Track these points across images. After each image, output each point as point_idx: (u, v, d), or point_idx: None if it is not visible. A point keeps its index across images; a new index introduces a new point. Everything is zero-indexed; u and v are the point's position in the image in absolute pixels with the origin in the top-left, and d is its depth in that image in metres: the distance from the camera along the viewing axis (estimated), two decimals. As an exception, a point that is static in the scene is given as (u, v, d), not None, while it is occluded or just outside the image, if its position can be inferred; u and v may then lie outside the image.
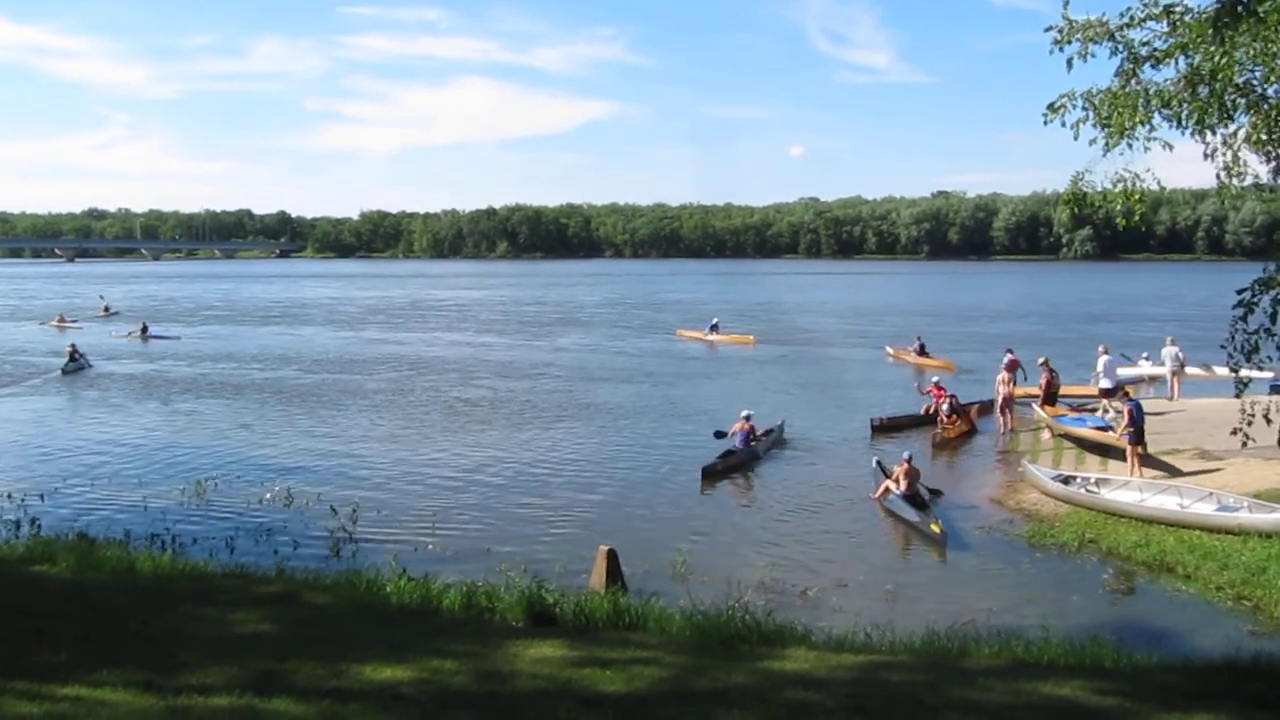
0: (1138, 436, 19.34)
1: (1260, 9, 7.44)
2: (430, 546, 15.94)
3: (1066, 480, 18.46)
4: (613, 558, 13.14)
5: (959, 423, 24.99)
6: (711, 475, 20.49)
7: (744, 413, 22.64)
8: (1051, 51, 8.83)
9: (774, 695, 7.16)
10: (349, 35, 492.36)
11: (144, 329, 54.89)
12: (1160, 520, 16.04)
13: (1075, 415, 23.80)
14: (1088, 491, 17.71)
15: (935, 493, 18.58)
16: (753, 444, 22.08)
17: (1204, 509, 15.86)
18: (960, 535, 16.95)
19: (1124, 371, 30.30)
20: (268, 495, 19.11)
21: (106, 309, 72.22)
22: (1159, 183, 8.96)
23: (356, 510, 17.71)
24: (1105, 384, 25.16)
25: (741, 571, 14.39)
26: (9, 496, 18.69)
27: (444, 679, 7.43)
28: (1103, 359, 25.78)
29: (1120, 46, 8.70)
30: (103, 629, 8.55)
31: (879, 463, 20.63)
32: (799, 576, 14.46)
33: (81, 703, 6.52)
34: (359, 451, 23.81)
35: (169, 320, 65.37)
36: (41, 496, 18.90)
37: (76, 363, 40.67)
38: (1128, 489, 17.40)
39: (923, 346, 42.17)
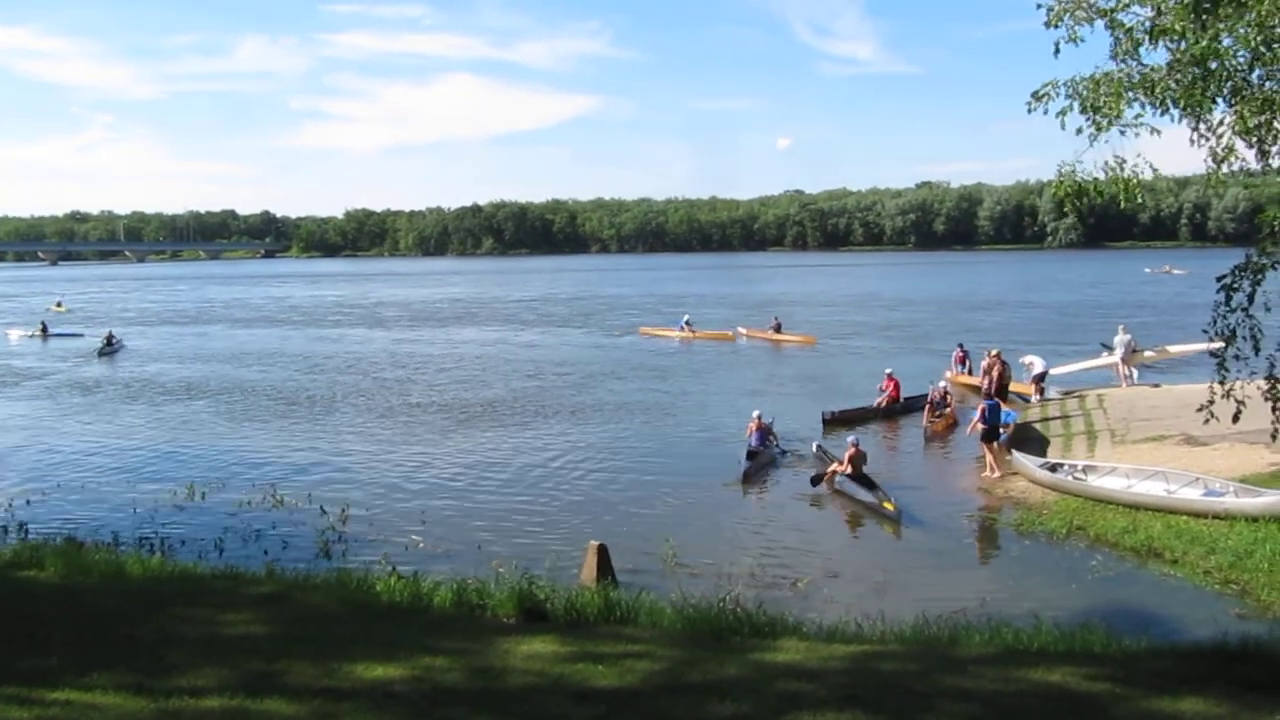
0: (990, 435, 20.00)
1: None
2: (420, 544, 15.92)
3: (1054, 468, 18.53)
4: (603, 552, 13.17)
5: (946, 415, 25.11)
6: (749, 479, 20.03)
7: (754, 412, 22.23)
8: (1048, 26, 8.81)
9: (766, 686, 7.17)
10: (331, 33, 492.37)
11: (44, 328, 55.57)
12: (1147, 506, 16.12)
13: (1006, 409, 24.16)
14: (1075, 478, 17.78)
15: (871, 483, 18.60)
16: (768, 442, 21.66)
17: (1190, 494, 15.94)
18: (949, 524, 17.04)
19: (1094, 363, 30.56)
20: (256, 496, 19.06)
21: (59, 305, 76.69)
22: (1152, 168, 8.93)
23: (346, 510, 17.71)
24: (1038, 370, 27.34)
25: (731, 564, 14.44)
26: (-5, 501, 18.61)
27: (436, 676, 7.42)
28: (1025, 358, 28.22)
29: (1114, 25, 8.68)
30: (92, 632, 8.51)
31: (819, 446, 21.34)
32: (789, 568, 14.51)
33: (72, 706, 6.50)
34: (347, 451, 23.76)
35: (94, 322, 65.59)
36: (28, 501, 18.84)
37: (112, 347, 45.38)
38: (1115, 475, 17.47)
39: (779, 325, 47.43)
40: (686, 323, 50.40)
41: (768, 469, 21.00)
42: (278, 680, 7.18)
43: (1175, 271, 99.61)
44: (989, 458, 19.87)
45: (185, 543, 15.93)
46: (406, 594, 10.23)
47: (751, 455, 20.98)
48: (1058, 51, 8.76)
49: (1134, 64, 8.56)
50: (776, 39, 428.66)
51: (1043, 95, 8.80)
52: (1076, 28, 8.67)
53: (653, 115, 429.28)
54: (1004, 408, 24.11)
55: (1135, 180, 8.84)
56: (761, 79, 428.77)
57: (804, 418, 25.64)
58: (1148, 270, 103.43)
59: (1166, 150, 8.78)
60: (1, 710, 6.37)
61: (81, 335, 55.12)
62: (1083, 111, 8.64)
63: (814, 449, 21.50)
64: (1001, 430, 21.30)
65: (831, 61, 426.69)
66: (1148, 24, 8.40)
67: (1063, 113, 8.70)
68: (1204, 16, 7.61)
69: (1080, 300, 68.47)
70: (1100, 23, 8.71)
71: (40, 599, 10.06)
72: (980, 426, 20.00)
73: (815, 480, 19.22)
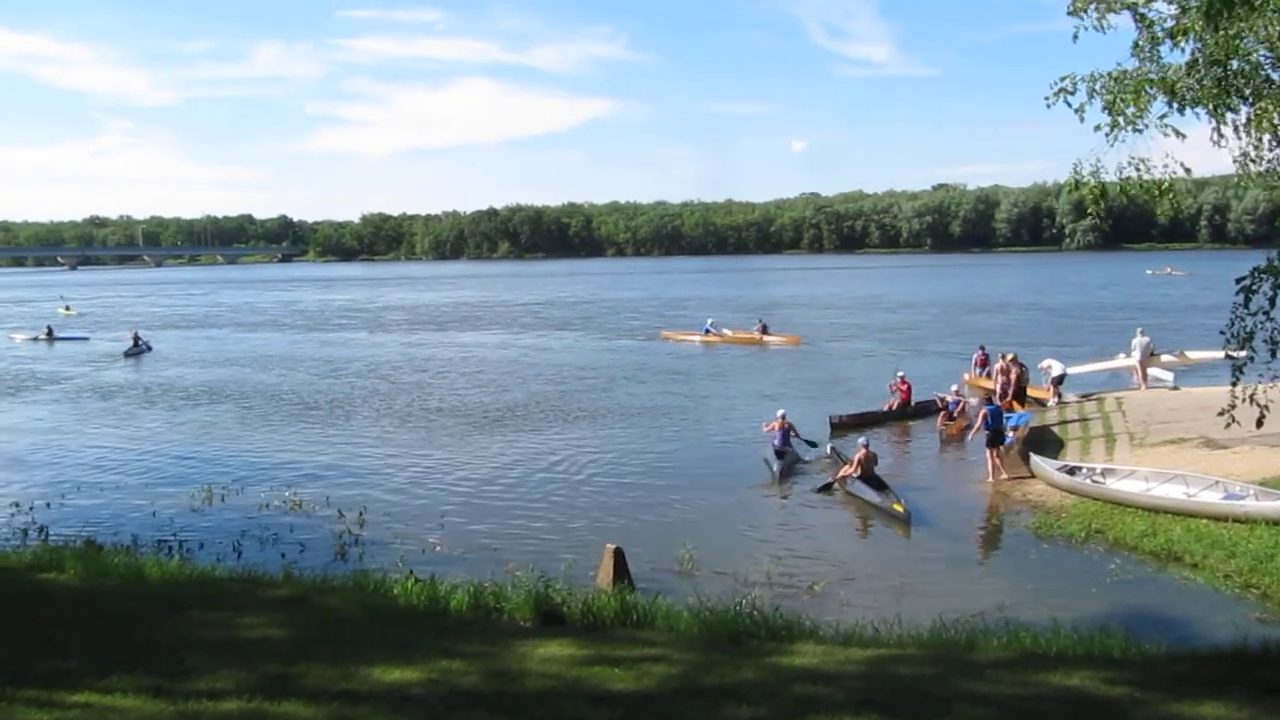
0: (993, 439, 19.92)
1: None
2: (437, 547, 15.97)
3: (1072, 471, 18.44)
4: (619, 556, 13.16)
5: (960, 420, 25.00)
6: (785, 478, 20.45)
7: (778, 411, 22.43)
8: (1071, 13, 8.72)
9: (783, 690, 7.16)
10: (347, 38, 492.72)
11: (49, 332, 56.13)
12: (1167, 509, 16.02)
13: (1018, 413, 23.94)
14: (1094, 482, 17.70)
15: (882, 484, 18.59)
16: (791, 441, 21.85)
17: (1210, 497, 15.84)
18: (966, 527, 17.00)
19: (1112, 364, 30.41)
20: (275, 499, 19.15)
21: (67, 308, 77.31)
22: (1185, 168, 8.80)
23: (363, 513, 17.77)
24: (1056, 373, 27.16)
25: (748, 567, 14.42)
26: (16, 505, 18.75)
27: (453, 679, 7.43)
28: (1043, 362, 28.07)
29: (1138, 19, 8.59)
30: (111, 635, 8.56)
31: (833, 448, 21.50)
32: (806, 571, 14.48)
33: (91, 709, 6.53)
34: (364, 455, 23.84)
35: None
36: (48, 504, 18.99)
37: (139, 348, 46.26)
38: (1134, 479, 17.37)
39: (765, 327, 48.50)
40: (711, 326, 49.37)
41: (792, 469, 21.03)
42: (295, 683, 7.20)
43: (1175, 273, 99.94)
44: (990, 462, 19.83)
45: (204, 546, 16.03)
46: (424, 597, 10.25)
47: (780, 455, 21.12)
48: (1076, 37, 8.67)
49: (1153, 64, 8.49)
50: (791, 42, 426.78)
51: (1061, 90, 8.72)
52: (1102, 18, 8.57)
53: (667, 118, 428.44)
54: (1019, 410, 24.09)
55: (1169, 183, 8.75)
56: (776, 82, 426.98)
57: (810, 420, 25.52)
58: (1149, 272, 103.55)
59: (1185, 151, 8.68)
60: (21, 713, 6.41)
61: (87, 339, 55.63)
62: (1104, 109, 8.54)
63: (827, 451, 21.59)
64: (1010, 434, 21.30)
65: (846, 64, 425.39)
66: (1170, 21, 8.33)
67: (1081, 108, 8.61)
68: (1216, 19, 7.55)
69: (1083, 303, 68.46)
70: (1120, 16, 8.62)
71: (59, 601, 10.12)
72: (984, 431, 20.00)
73: (824, 489, 19.22)
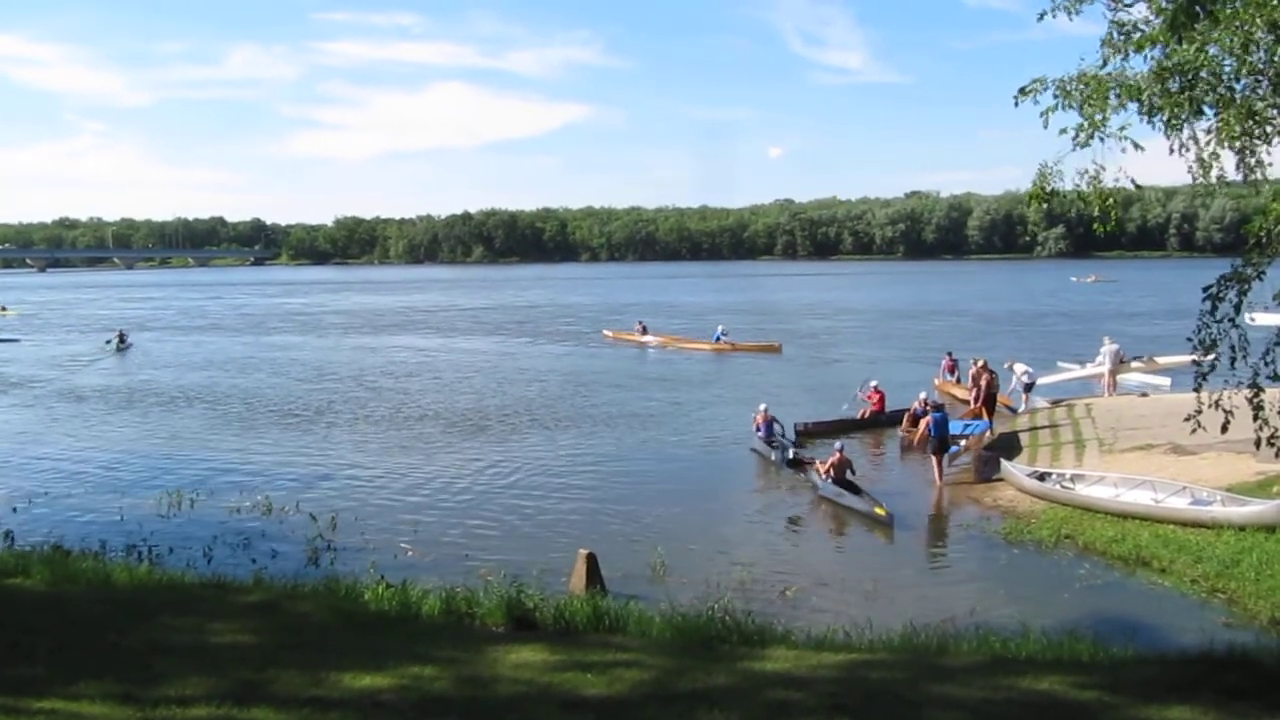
0: (938, 446, 20.28)
1: (1214, 8, 7.49)
2: (409, 553, 15.89)
3: (1042, 477, 18.59)
4: (592, 561, 13.17)
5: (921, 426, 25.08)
6: (791, 465, 21.22)
7: (761, 405, 23.07)
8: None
9: (755, 695, 7.18)
10: (323, 41, 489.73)
11: None
12: (1135, 515, 16.19)
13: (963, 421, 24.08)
14: (1063, 487, 17.85)
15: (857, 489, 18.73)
16: (775, 432, 22.51)
17: (1178, 503, 16.01)
18: (937, 533, 17.09)
19: (1083, 372, 30.68)
20: (246, 504, 18.99)
21: (4, 309, 78.99)
22: (1133, 181, 8.87)
23: (335, 518, 17.65)
24: (1025, 380, 27.45)
25: (720, 572, 14.44)
26: (-18, 509, 18.50)
27: (424, 685, 7.40)
28: (1018, 365, 28.34)
29: (1110, 10, 8.62)
30: (79, 641, 8.47)
31: (796, 454, 21.66)
32: (778, 576, 14.52)
33: (58, 716, 6.47)
34: (337, 460, 23.68)
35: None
36: (15, 509, 18.74)
37: (125, 343, 48.12)
38: (1102, 485, 17.54)
39: (644, 328, 50.33)
40: (723, 334, 47.23)
41: (784, 455, 21.48)
42: (265, 689, 7.15)
43: (1098, 280, 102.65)
44: (935, 470, 20.13)
45: (173, 551, 15.87)
46: (395, 602, 10.20)
47: (770, 445, 21.78)
48: (1041, 17, 8.70)
49: (1121, 63, 8.52)
50: (768, 48, 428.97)
51: (1030, 91, 8.73)
52: (1074, 6, 8.58)
53: (644, 124, 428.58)
54: (985, 418, 24.26)
55: (1113, 199, 8.79)
56: (753, 88, 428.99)
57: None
58: (1073, 279, 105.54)
59: (1153, 161, 8.74)
60: (-13, 719, 6.34)
61: (18, 341, 55.11)
62: (1069, 106, 8.54)
63: (790, 455, 21.70)
64: (961, 441, 21.58)
65: (822, 71, 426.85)
66: (1139, 29, 8.38)
67: (1048, 111, 8.62)
68: (1180, 30, 7.63)
69: (1016, 310, 69.71)
70: (1093, 7, 8.64)
71: (26, 607, 10.01)
72: (930, 439, 20.27)
73: (793, 464, 19.58)
